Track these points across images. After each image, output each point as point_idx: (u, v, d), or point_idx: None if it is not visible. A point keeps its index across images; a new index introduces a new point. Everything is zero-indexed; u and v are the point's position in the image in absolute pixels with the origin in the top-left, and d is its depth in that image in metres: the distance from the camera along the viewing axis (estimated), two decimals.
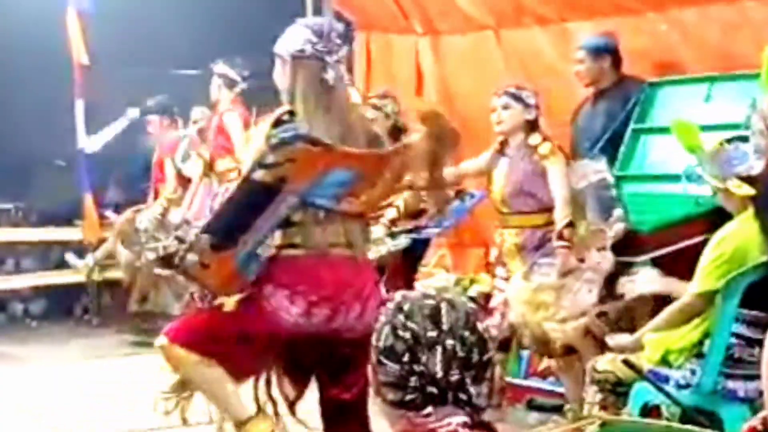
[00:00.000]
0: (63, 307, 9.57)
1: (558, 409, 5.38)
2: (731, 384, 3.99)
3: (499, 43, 7.26)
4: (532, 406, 5.65)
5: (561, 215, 5.15)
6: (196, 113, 8.15)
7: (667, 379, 4.09)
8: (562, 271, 5.07)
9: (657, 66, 6.13)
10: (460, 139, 3.91)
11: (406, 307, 2.18)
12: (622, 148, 5.72)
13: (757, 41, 5.22)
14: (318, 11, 7.82)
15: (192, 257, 3.45)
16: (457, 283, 6.48)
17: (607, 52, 6.00)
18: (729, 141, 4.09)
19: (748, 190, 3.92)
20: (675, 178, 5.38)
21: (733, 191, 4.00)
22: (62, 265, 9.24)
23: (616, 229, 4.96)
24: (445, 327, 2.14)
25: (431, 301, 2.19)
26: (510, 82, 5.69)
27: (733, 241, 3.98)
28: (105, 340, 8.39)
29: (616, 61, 6.03)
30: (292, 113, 3.57)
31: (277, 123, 3.54)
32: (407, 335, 2.14)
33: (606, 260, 4.99)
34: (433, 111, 3.67)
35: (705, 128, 5.43)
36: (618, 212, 5.02)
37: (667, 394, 3.98)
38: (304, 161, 3.38)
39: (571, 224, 5.13)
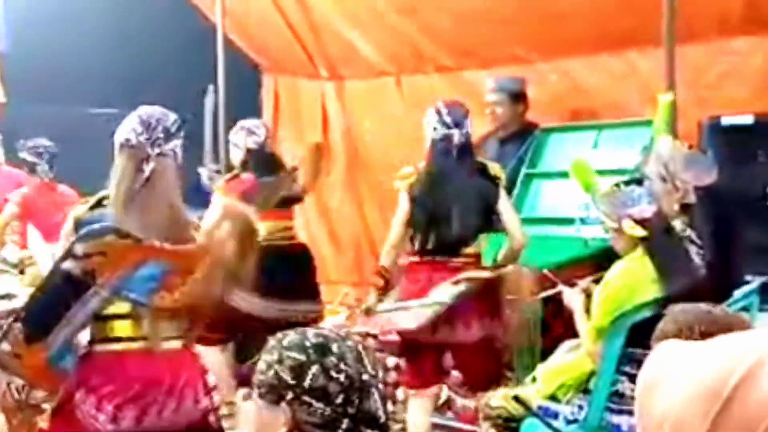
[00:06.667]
0: None
1: None
2: (616, 419, 4.03)
3: (400, 88, 7.46)
4: None
5: None
6: None
7: (556, 415, 4.16)
8: None
9: (547, 113, 6.31)
10: (256, 237, 3.58)
11: (334, 348, 2.13)
12: (515, 192, 5.82)
13: (643, 91, 5.47)
14: (229, 54, 7.87)
15: (5, 346, 3.26)
16: None
17: (523, 97, 6.20)
18: (626, 183, 4.26)
19: (641, 232, 4.11)
20: (565, 221, 5.50)
21: (626, 231, 4.11)
22: None
23: None
24: (371, 370, 2.14)
25: (351, 343, 2.16)
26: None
27: (620, 281, 4.08)
28: None
29: (526, 107, 6.23)
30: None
31: (97, 205, 3.43)
32: (341, 377, 2.09)
33: None
34: (239, 213, 3.48)
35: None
36: None
37: (555, 429, 4.12)
38: (114, 255, 3.23)
39: None
